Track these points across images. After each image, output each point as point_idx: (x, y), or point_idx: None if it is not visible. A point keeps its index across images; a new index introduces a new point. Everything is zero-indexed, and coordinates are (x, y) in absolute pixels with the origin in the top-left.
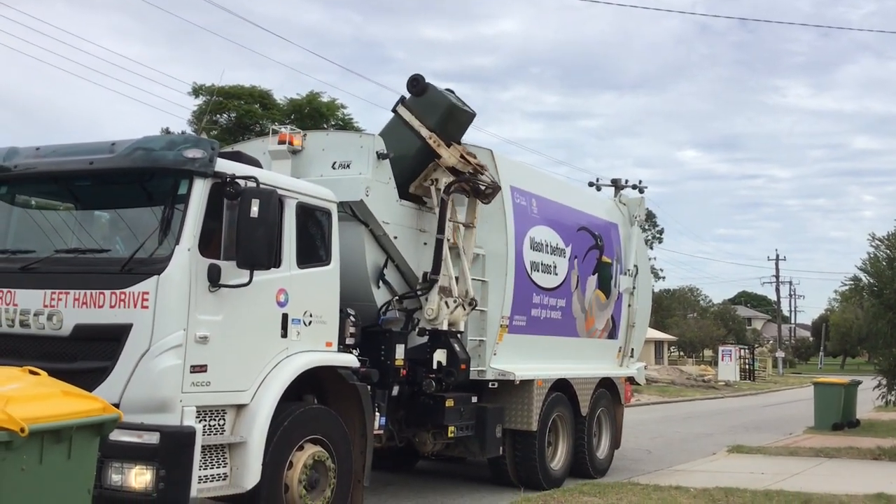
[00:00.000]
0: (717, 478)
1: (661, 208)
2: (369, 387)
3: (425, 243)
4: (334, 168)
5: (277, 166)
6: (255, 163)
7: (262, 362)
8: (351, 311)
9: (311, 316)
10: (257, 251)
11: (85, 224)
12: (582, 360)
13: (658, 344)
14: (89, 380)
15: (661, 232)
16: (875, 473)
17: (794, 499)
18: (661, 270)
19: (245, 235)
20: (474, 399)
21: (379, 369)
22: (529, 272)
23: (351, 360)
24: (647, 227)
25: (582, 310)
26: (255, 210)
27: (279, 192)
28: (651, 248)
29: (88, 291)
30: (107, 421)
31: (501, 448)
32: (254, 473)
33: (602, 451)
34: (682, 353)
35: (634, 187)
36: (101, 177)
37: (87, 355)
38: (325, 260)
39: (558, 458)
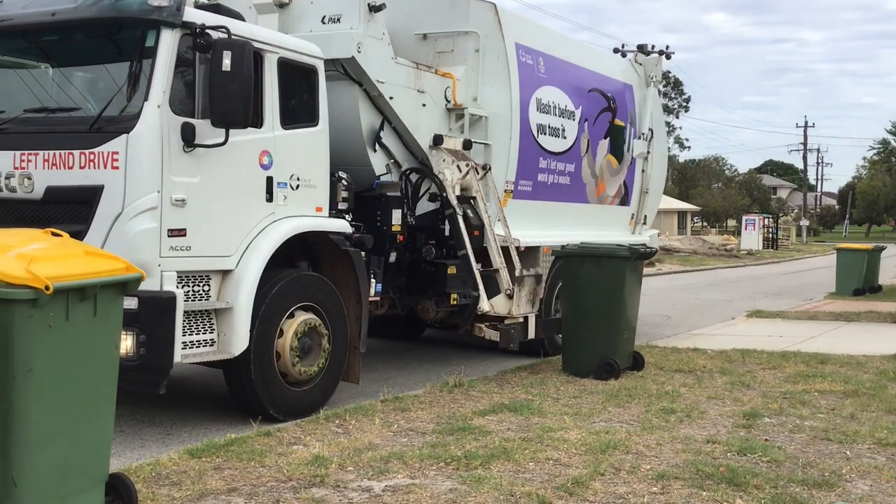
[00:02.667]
0: (735, 340)
1: (688, 75)
2: (363, 253)
3: (424, 105)
4: (324, 23)
5: (264, 21)
6: (236, 16)
7: (247, 227)
8: (343, 175)
9: (298, 179)
10: (232, 108)
11: (55, 82)
12: (592, 228)
13: (681, 214)
14: None
15: (687, 100)
16: (893, 336)
17: (811, 359)
18: (687, 140)
19: (218, 91)
20: (479, 266)
21: (375, 235)
22: (536, 135)
23: (342, 225)
24: (673, 95)
25: (592, 175)
26: (227, 63)
27: (257, 45)
28: (677, 116)
29: (58, 152)
30: (130, 280)
31: None
32: (241, 339)
33: None
34: (705, 224)
35: (661, 53)
36: (65, 30)
37: (61, 218)
38: (312, 121)
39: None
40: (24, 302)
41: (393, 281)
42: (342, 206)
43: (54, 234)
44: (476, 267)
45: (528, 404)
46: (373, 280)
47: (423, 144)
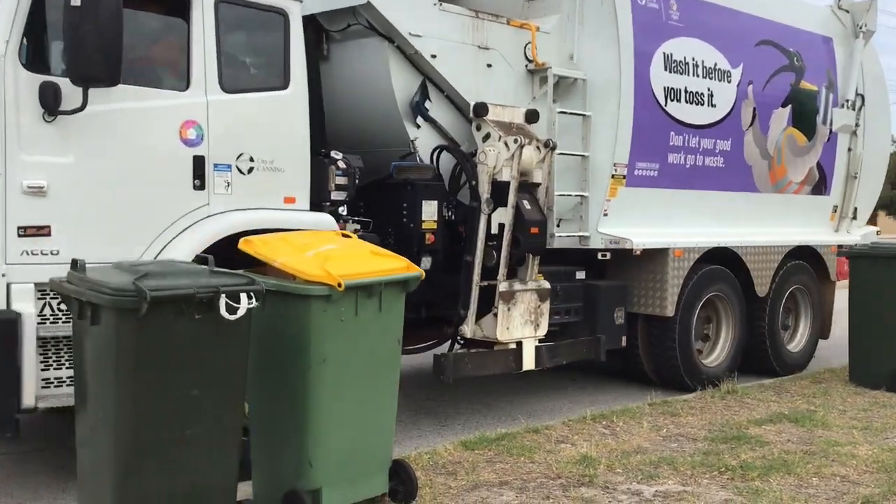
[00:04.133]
0: None
1: None
2: None
3: (490, 65)
4: None
5: None
6: None
7: (158, 224)
8: (338, 156)
9: (252, 161)
10: (85, 58)
11: None
12: (766, 223)
13: None
14: None
15: None
16: None
17: None
18: None
19: (70, 35)
20: (580, 275)
21: (399, 236)
22: (662, 103)
23: (321, 220)
24: None
25: (763, 155)
26: None
27: None
28: None
29: None
30: (410, 278)
31: (624, 338)
32: None
33: (797, 343)
34: None
35: None
36: None
37: None
38: (278, 82)
39: (717, 352)
40: (319, 298)
41: (427, 294)
42: (337, 195)
43: (344, 236)
44: (477, 280)
45: (811, 415)
46: None
47: None
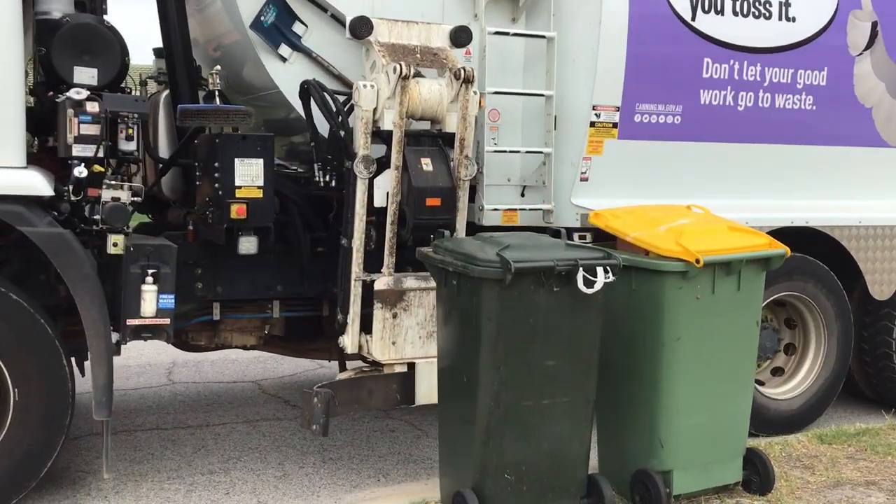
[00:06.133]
0: None
1: None
2: (125, 239)
3: None
4: None
5: None
6: None
7: None
8: (80, 95)
9: None
10: None
11: None
12: (886, 192)
13: None
14: None
15: None
16: None
17: None
18: None
19: None
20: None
21: (214, 207)
22: (687, 16)
23: (20, 183)
24: None
25: (894, 92)
26: None
27: None
28: None
29: None
30: (773, 256)
31: None
32: None
33: None
34: None
35: None
36: None
37: None
38: None
39: (798, 379)
40: (675, 274)
41: (241, 286)
42: (81, 150)
43: (696, 210)
44: (357, 272)
45: None
46: (150, 287)
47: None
